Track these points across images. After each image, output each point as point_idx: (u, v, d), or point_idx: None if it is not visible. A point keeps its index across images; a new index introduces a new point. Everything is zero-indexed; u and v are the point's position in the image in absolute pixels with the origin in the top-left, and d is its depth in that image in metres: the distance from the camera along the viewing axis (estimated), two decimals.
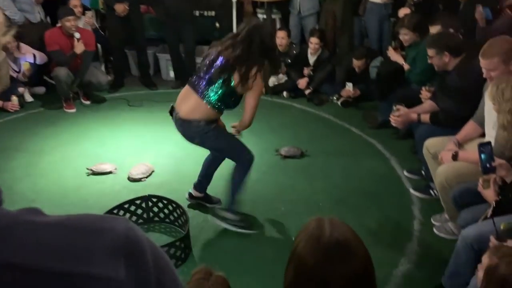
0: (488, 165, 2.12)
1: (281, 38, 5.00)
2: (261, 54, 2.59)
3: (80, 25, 4.90)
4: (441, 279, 2.36)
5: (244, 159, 2.84)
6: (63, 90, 4.67)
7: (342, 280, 0.98)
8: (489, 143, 2.15)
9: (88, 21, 5.05)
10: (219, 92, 2.61)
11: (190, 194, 3.20)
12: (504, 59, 2.43)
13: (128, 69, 5.70)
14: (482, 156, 2.13)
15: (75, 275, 0.57)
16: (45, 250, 0.58)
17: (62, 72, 4.59)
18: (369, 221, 3.06)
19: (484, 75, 2.54)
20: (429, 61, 3.17)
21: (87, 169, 3.61)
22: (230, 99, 2.66)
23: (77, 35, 4.55)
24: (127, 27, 5.10)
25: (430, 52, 3.09)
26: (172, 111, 2.82)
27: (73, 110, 4.76)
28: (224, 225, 2.90)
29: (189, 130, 2.71)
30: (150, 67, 5.57)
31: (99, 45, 5.42)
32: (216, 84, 2.60)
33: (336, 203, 3.27)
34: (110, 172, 3.60)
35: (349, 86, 4.74)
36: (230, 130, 2.91)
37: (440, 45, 3.04)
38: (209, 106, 2.64)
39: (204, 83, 2.64)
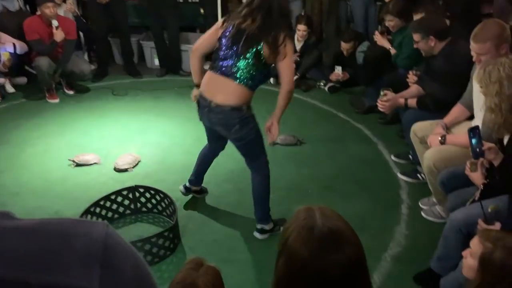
0: (478, 149, 2.12)
1: None
2: (282, 18, 2.38)
3: (61, 12, 4.78)
4: (429, 262, 2.38)
5: (262, 161, 2.70)
6: (45, 80, 4.56)
7: (337, 269, 0.96)
8: (477, 127, 2.14)
9: (69, 8, 4.92)
10: (250, 70, 2.39)
11: (186, 188, 3.10)
12: (496, 44, 2.41)
13: (112, 58, 5.60)
14: (473, 141, 2.11)
15: (42, 286, 0.52)
16: (9, 258, 0.53)
17: (43, 61, 4.49)
18: (358, 206, 3.07)
19: (474, 59, 2.52)
20: (415, 45, 3.16)
21: (70, 160, 3.54)
22: (261, 75, 2.46)
23: (55, 23, 4.43)
24: (109, 14, 5.00)
25: (416, 36, 3.08)
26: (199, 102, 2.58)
27: (56, 101, 4.66)
28: (267, 235, 2.80)
29: (231, 116, 2.47)
30: (134, 55, 5.47)
31: (81, 34, 5.30)
32: (245, 62, 2.38)
33: (325, 189, 3.27)
34: (94, 164, 3.54)
35: (338, 69, 4.71)
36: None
37: (425, 29, 3.02)
38: (245, 88, 2.43)
39: (231, 63, 2.41)
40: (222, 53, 2.45)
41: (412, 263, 2.57)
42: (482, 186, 2.10)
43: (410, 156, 3.41)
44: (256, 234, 2.80)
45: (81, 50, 5.44)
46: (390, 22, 3.88)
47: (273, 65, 2.45)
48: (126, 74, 5.30)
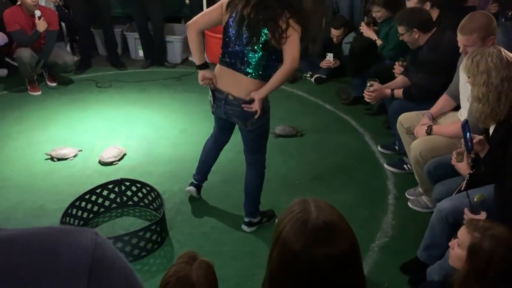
0: (470, 143, 2.12)
1: None
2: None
3: (42, 2, 4.67)
4: (416, 252, 2.40)
5: (262, 155, 2.72)
6: (27, 72, 4.46)
7: (330, 262, 0.96)
8: (466, 120, 2.15)
9: None
10: (262, 62, 2.30)
11: (197, 187, 3.01)
12: (483, 36, 2.43)
13: (95, 49, 5.50)
14: (467, 135, 2.11)
15: None
16: None
17: (25, 53, 4.38)
18: (345, 197, 3.08)
19: (461, 50, 2.54)
20: (400, 38, 3.17)
21: (46, 154, 3.47)
22: (273, 61, 2.34)
23: (37, 12, 4.32)
24: (92, 4, 4.90)
25: (400, 29, 3.11)
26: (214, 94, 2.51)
27: (38, 93, 4.57)
28: (254, 228, 2.80)
29: (248, 112, 2.41)
30: (118, 46, 5.38)
31: (63, 24, 5.19)
32: (255, 55, 2.29)
33: (312, 180, 3.27)
34: (74, 156, 3.47)
35: (330, 56, 4.69)
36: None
37: (409, 22, 3.04)
38: (259, 80, 2.35)
39: (241, 57, 2.33)
40: (231, 46, 2.36)
41: (399, 252, 2.60)
42: (467, 176, 2.12)
43: (396, 147, 3.43)
44: (244, 227, 2.80)
45: (63, 41, 5.32)
46: (377, 12, 3.88)
47: None
48: (110, 65, 5.22)
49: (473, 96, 2.12)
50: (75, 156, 3.48)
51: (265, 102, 2.43)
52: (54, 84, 4.74)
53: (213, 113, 2.63)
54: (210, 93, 2.55)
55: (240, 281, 2.43)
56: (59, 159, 3.44)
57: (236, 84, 2.39)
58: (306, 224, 0.97)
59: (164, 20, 5.21)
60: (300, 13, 2.26)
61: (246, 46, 2.30)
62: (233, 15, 2.32)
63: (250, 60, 2.32)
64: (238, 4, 2.30)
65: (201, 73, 2.55)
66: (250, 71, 2.34)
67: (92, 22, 5.22)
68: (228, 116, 2.52)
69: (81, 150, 3.54)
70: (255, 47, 2.28)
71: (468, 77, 2.15)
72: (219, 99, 2.48)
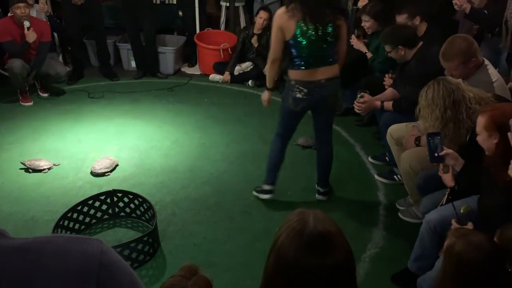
0: (436, 154, 2.19)
1: (260, 17, 4.90)
2: None
3: (33, 13, 4.67)
4: (407, 262, 2.43)
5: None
6: (19, 82, 4.46)
7: (322, 273, 0.98)
8: (438, 133, 2.22)
9: (42, 7, 4.78)
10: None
11: (272, 191, 3.17)
12: (464, 61, 2.51)
13: (88, 60, 5.51)
14: (431, 145, 2.20)
15: None
16: (3, 281, 0.52)
17: (16, 63, 4.38)
18: (336, 208, 3.10)
19: (446, 74, 2.61)
20: (387, 55, 3.24)
21: (21, 163, 3.46)
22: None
23: (26, 23, 4.32)
24: (84, 15, 4.91)
25: (386, 48, 3.19)
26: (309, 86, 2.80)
27: (30, 103, 4.56)
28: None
29: (338, 87, 2.94)
30: (111, 57, 5.39)
31: (55, 35, 5.20)
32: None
33: (304, 191, 3.30)
34: (49, 169, 3.44)
35: None
36: None
37: (393, 40, 3.11)
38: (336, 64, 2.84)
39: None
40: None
41: (390, 263, 2.62)
42: (448, 189, 2.17)
43: (387, 158, 3.47)
44: (322, 197, 3.19)
45: (55, 51, 5.33)
46: (366, 22, 3.93)
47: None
48: (102, 76, 5.22)
49: (425, 128, 2.24)
50: (49, 169, 3.45)
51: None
52: (46, 95, 4.74)
53: (294, 110, 2.90)
54: (297, 89, 2.81)
55: None
56: (33, 170, 3.42)
57: (326, 68, 2.79)
58: (302, 233, 0.99)
59: (156, 31, 5.24)
60: None
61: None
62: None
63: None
64: None
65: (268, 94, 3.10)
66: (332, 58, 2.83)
67: (84, 33, 5.23)
68: (322, 95, 2.84)
69: (57, 165, 3.51)
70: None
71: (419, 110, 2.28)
72: (310, 88, 2.79)
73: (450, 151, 2.19)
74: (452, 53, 2.53)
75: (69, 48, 5.34)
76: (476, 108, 2.21)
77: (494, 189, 1.90)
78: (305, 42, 2.67)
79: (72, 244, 0.58)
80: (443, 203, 2.18)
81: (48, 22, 4.72)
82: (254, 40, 4.98)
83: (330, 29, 2.69)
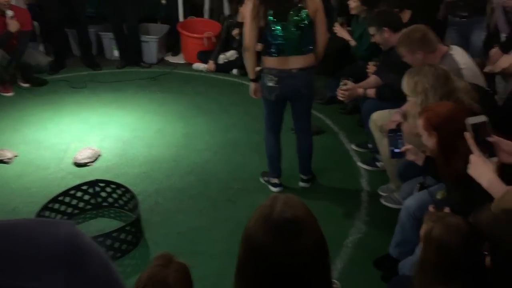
0: (396, 150, 2.23)
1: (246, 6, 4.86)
2: None
3: (13, 2, 4.57)
4: (388, 248, 2.46)
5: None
6: None
7: (290, 258, 0.98)
8: (399, 129, 2.25)
9: None
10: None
11: (281, 184, 3.19)
12: (411, 50, 2.62)
13: (69, 49, 5.41)
14: (389, 141, 2.24)
15: None
16: None
17: None
18: (319, 194, 3.12)
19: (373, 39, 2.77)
20: (372, 39, 3.25)
21: None
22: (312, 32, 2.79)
23: (9, 12, 4.24)
24: (65, 4, 4.82)
25: (371, 30, 3.21)
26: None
27: (11, 94, 4.48)
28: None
29: (312, 77, 2.89)
30: (93, 46, 5.32)
31: (36, 24, 5.10)
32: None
33: (288, 179, 3.30)
34: (9, 159, 3.38)
35: None
36: None
37: (379, 22, 3.14)
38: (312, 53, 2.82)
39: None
40: None
41: (372, 248, 2.65)
42: (418, 184, 2.22)
43: (369, 145, 3.49)
44: (306, 184, 3.22)
45: (36, 41, 5.24)
46: (353, 3, 3.90)
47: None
48: (85, 66, 5.15)
49: (413, 114, 2.24)
50: (9, 159, 3.39)
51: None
52: (27, 85, 4.66)
53: (269, 99, 2.89)
54: (268, 77, 2.81)
55: (217, 281, 2.44)
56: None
57: (300, 58, 2.79)
58: (268, 219, 0.99)
59: (139, 21, 5.17)
60: None
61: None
62: None
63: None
64: None
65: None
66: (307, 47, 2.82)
67: (66, 22, 5.14)
68: (295, 85, 2.83)
69: (17, 155, 3.46)
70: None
71: (408, 96, 2.26)
72: (281, 77, 2.78)
73: (410, 146, 2.22)
74: (400, 40, 2.69)
75: (50, 38, 5.25)
76: (463, 98, 2.20)
77: (449, 186, 1.97)
78: (278, 28, 2.67)
79: (43, 227, 0.58)
80: (418, 190, 2.22)
81: (28, 11, 4.63)
82: (235, 33, 4.95)
83: (303, 15, 2.68)
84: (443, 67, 2.31)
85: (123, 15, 4.97)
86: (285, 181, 3.22)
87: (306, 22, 2.71)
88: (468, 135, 1.49)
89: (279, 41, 2.71)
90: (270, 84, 2.81)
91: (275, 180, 3.16)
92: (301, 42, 2.74)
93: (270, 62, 2.79)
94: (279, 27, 2.68)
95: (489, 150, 1.48)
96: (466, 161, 1.51)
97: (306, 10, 2.69)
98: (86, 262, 0.58)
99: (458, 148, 1.82)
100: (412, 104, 2.31)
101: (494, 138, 1.48)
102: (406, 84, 2.31)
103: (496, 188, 1.43)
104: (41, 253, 0.55)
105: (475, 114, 1.58)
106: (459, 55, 2.66)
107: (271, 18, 2.66)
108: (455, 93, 2.19)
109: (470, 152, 1.48)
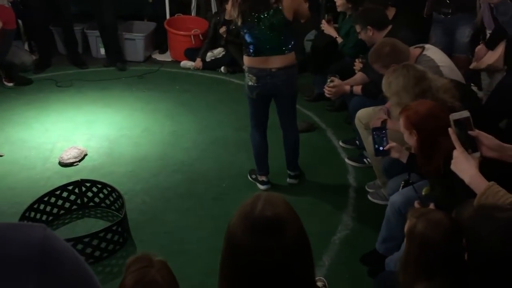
0: (380, 148, 2.26)
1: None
2: None
3: None
4: (375, 244, 2.47)
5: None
6: None
7: (273, 256, 0.98)
8: (383, 127, 2.27)
9: None
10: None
11: (269, 182, 3.20)
12: (384, 65, 2.65)
13: (55, 48, 5.35)
14: (374, 139, 2.27)
15: None
16: None
17: None
18: (308, 192, 3.13)
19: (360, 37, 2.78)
20: (358, 36, 3.26)
21: None
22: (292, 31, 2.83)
23: None
24: (50, 1, 4.76)
25: (357, 28, 3.24)
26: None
27: None
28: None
29: (293, 76, 2.88)
30: (79, 44, 5.26)
31: (20, 22, 5.02)
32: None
33: (276, 176, 3.30)
34: None
35: None
36: None
37: (363, 20, 3.15)
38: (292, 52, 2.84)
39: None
40: None
41: (359, 244, 2.67)
42: (403, 182, 2.24)
43: (357, 142, 3.51)
44: (294, 181, 3.24)
45: (20, 39, 5.17)
46: (339, 0, 3.90)
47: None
48: (71, 64, 5.09)
49: (394, 116, 2.26)
50: None
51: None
52: (11, 84, 4.59)
53: (251, 97, 2.91)
54: (248, 77, 2.84)
55: (204, 279, 2.44)
56: None
57: (279, 57, 2.81)
58: (249, 216, 1.00)
59: (121, 18, 5.10)
60: None
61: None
62: None
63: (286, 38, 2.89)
64: None
65: None
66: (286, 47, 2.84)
67: (50, 20, 5.07)
68: (278, 84, 2.84)
69: (2, 156, 3.42)
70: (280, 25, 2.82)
71: (386, 96, 2.30)
72: (263, 77, 2.80)
73: (394, 144, 2.25)
74: (373, 56, 2.75)
75: (35, 36, 5.18)
76: (442, 97, 2.22)
77: (432, 182, 2.00)
78: (253, 30, 2.72)
79: (13, 231, 0.57)
80: (403, 186, 2.24)
81: (12, 9, 4.56)
82: (222, 31, 4.94)
83: (280, 16, 2.70)
84: (419, 67, 2.34)
85: (102, 13, 4.86)
86: (273, 178, 3.22)
87: (282, 23, 2.72)
88: (451, 131, 1.49)
89: (254, 42, 2.76)
90: (251, 83, 2.85)
91: (263, 178, 3.15)
92: (279, 42, 2.77)
93: (250, 61, 2.83)
94: (252, 30, 2.73)
95: (472, 146, 1.49)
96: (447, 158, 1.52)
97: (282, 11, 2.70)
98: (59, 264, 0.57)
99: (438, 145, 1.85)
100: (391, 104, 2.34)
101: (475, 132, 1.49)
102: (382, 85, 2.38)
103: (477, 184, 1.43)
104: (14, 257, 0.54)
105: (455, 111, 1.58)
106: (434, 53, 2.69)
107: (243, 20, 2.72)
108: (430, 93, 2.21)
109: (451, 149, 1.49)
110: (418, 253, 1.45)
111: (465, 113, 1.51)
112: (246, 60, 2.85)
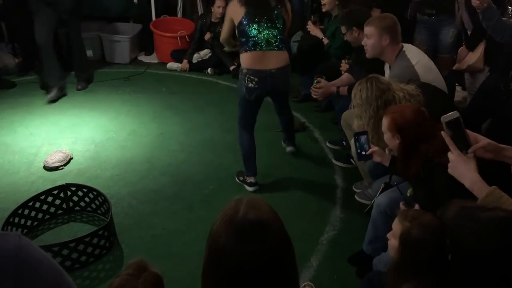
0: (363, 152, 2.29)
1: (217, 6, 4.83)
2: None
3: None
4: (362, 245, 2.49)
5: None
6: None
7: (256, 260, 0.98)
8: (365, 132, 2.30)
9: None
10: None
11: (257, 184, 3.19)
12: (379, 33, 2.69)
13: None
14: (356, 144, 2.30)
15: None
16: None
17: None
18: (295, 192, 3.14)
19: (363, 42, 2.82)
20: (344, 38, 3.28)
21: None
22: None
23: None
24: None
25: (342, 29, 3.27)
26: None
27: None
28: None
29: (289, 74, 3.04)
30: (63, 47, 5.19)
31: (2, 24, 4.95)
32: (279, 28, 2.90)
33: (264, 177, 3.30)
34: None
35: None
36: None
37: (348, 21, 3.19)
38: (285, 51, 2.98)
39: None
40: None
41: (346, 244, 2.68)
42: (383, 184, 2.27)
43: (344, 142, 3.52)
44: (294, 149, 3.54)
45: (3, 42, 5.09)
46: None
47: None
48: None
49: (358, 126, 2.32)
50: None
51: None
52: None
53: (249, 99, 2.97)
54: (248, 79, 2.90)
55: (191, 282, 2.39)
56: None
57: (275, 57, 2.93)
58: (232, 220, 0.99)
59: (113, 19, 5.05)
60: None
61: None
62: None
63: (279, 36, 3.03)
64: None
65: None
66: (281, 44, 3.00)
67: (33, 22, 5.00)
68: (277, 84, 2.98)
69: None
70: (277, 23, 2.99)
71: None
72: (262, 76, 2.89)
73: (376, 148, 2.28)
74: (375, 21, 2.75)
75: (18, 38, 5.11)
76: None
77: (413, 185, 2.02)
78: (254, 28, 2.82)
79: None
80: (383, 188, 2.27)
81: None
82: (207, 38, 4.94)
83: (280, 15, 2.85)
84: (384, 79, 2.41)
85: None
86: (261, 180, 3.21)
87: (281, 21, 2.88)
88: (445, 134, 1.45)
89: (253, 37, 2.85)
90: (251, 85, 2.89)
91: (251, 179, 3.15)
92: (276, 39, 2.89)
93: (248, 62, 2.88)
94: (253, 28, 2.83)
95: (466, 147, 1.44)
96: (426, 163, 1.52)
97: (281, 11, 2.87)
98: (35, 271, 0.57)
99: (419, 151, 1.87)
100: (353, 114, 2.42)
101: (471, 134, 1.45)
102: (352, 95, 2.44)
103: (479, 188, 1.39)
104: None
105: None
106: (411, 52, 2.73)
107: (246, 20, 2.82)
108: (394, 103, 2.26)
109: (429, 155, 1.49)
110: (413, 256, 1.45)
111: (455, 114, 1.46)
112: (245, 61, 2.90)
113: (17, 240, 0.58)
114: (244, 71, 2.90)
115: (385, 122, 2.06)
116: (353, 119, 2.45)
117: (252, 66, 2.87)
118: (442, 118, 1.47)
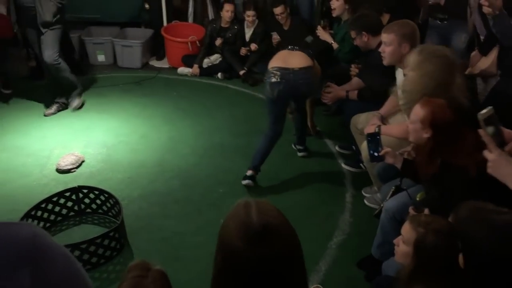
0: (375, 153, 2.28)
1: (226, 11, 4.90)
2: None
3: None
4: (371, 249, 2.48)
5: None
6: None
7: (267, 264, 0.98)
8: (377, 133, 2.28)
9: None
10: None
11: (254, 177, 3.24)
12: (399, 40, 2.67)
13: None
14: (368, 145, 2.28)
15: None
16: None
17: None
18: (304, 196, 3.15)
19: (380, 49, 2.78)
20: (353, 42, 3.29)
21: None
22: None
23: None
24: None
25: (352, 34, 3.27)
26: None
27: None
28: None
29: (311, 76, 3.13)
30: (76, 51, 5.27)
31: (17, 29, 5.03)
32: None
33: (273, 181, 3.32)
34: None
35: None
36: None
37: (358, 26, 3.18)
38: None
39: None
40: None
41: (356, 249, 2.68)
42: (393, 188, 2.26)
43: (353, 147, 3.52)
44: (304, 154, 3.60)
45: (18, 46, 5.17)
46: (335, 2, 3.91)
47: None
48: None
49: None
50: None
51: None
52: (9, 91, 4.60)
53: (271, 98, 3.08)
54: (272, 74, 3.03)
55: (201, 284, 2.41)
56: None
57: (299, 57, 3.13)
58: (245, 225, 1.00)
59: (123, 25, 5.11)
60: None
61: None
62: None
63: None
64: None
65: None
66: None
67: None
68: (300, 84, 3.08)
69: None
70: None
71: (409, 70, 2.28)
72: (283, 75, 3.02)
73: (389, 149, 2.25)
74: (394, 28, 2.71)
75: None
76: (457, 95, 2.15)
77: (427, 186, 1.98)
78: None
79: (3, 230, 0.59)
80: (393, 193, 2.26)
81: (8, 17, 4.57)
82: (218, 42, 4.98)
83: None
84: (454, 57, 2.28)
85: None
86: (270, 182, 3.22)
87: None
88: (483, 132, 1.36)
89: None
90: (274, 79, 3.02)
91: (250, 172, 3.18)
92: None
93: (272, 62, 3.09)
94: None
95: (501, 144, 1.35)
96: (445, 162, 1.50)
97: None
98: (49, 258, 0.59)
99: (443, 151, 1.82)
100: (411, 80, 2.26)
101: (505, 130, 1.39)
102: (412, 59, 2.27)
103: None
104: (4, 255, 0.56)
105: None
106: None
107: None
108: (451, 87, 2.14)
109: (452, 156, 1.47)
110: (427, 262, 1.44)
111: (490, 110, 1.36)
112: (271, 61, 3.10)
113: (31, 229, 0.61)
114: (269, 70, 3.06)
115: (420, 112, 1.91)
116: (410, 82, 2.25)
117: (276, 64, 3.05)
118: (479, 115, 1.38)
